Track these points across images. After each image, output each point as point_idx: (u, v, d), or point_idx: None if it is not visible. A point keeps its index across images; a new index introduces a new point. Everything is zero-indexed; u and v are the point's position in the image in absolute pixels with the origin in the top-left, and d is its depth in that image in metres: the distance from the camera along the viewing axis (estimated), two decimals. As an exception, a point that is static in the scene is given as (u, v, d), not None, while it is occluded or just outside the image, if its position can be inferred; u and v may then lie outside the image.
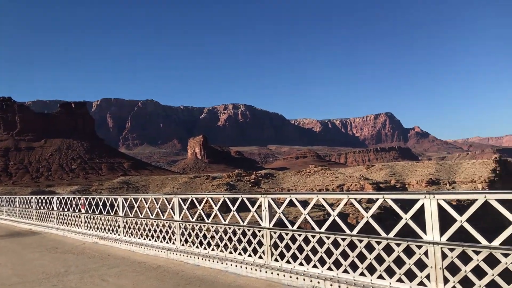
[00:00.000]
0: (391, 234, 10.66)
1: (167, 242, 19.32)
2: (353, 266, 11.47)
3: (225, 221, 16.22)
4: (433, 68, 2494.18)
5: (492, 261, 8.96)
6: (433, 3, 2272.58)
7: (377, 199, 11.17)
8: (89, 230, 27.04)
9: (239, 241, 15.40)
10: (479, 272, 9.15)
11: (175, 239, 18.75)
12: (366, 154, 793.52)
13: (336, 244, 12.01)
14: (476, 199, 9.13)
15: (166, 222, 19.47)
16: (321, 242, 12.42)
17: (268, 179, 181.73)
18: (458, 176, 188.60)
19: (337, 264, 11.95)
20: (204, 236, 17.13)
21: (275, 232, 13.94)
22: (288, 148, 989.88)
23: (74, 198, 30.30)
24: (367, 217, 11.16)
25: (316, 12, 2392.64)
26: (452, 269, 9.55)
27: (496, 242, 8.85)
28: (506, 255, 8.64)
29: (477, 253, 9.10)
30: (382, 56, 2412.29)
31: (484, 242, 9.00)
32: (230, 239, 15.82)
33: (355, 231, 11.51)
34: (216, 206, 16.51)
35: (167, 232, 19.43)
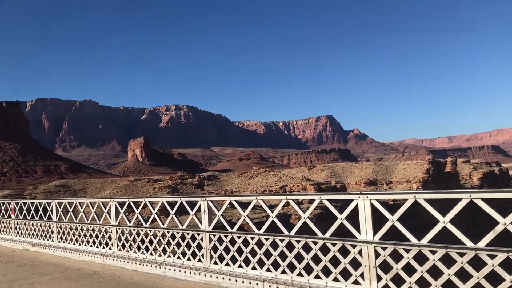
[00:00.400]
0: (327, 234, 10.86)
1: (103, 248, 18.71)
2: (291, 267, 11.59)
3: (163, 224, 15.93)
4: (371, 73, 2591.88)
5: (421, 258, 9.35)
6: (368, 9, 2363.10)
7: (314, 200, 11.36)
8: (19, 236, 25.65)
9: (178, 245, 15.19)
10: (409, 269, 9.52)
11: (112, 244, 18.21)
12: (308, 155, 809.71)
13: (275, 245, 12.09)
14: (407, 199, 9.49)
15: (103, 227, 18.85)
16: (260, 244, 12.47)
17: (212, 181, 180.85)
18: (395, 176, 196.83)
19: (276, 265, 12.03)
20: (142, 241, 16.73)
21: (214, 235, 13.86)
22: (231, 150, 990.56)
23: (3, 203, 28.64)
24: (304, 218, 11.31)
25: (259, 13, 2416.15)
26: (385, 267, 9.87)
27: (425, 240, 9.24)
28: (433, 252, 9.04)
29: (407, 251, 9.45)
30: (324, 61, 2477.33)
31: (414, 240, 9.37)
32: (169, 243, 15.56)
33: (292, 232, 11.63)
34: (154, 209, 16.18)
35: (103, 237, 18.81)
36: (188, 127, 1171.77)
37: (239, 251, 13.07)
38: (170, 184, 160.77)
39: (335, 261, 10.72)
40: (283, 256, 11.83)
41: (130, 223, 17.44)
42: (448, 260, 8.90)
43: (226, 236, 13.47)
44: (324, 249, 10.99)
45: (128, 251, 17.31)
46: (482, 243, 8.49)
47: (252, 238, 12.67)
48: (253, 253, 12.65)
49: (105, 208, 18.74)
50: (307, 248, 11.30)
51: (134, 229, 17.10)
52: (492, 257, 8.31)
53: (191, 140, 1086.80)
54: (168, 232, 15.64)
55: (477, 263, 8.65)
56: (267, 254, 12.18)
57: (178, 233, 15.17)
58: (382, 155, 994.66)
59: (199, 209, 14.44)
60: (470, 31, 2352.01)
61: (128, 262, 16.87)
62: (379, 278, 9.83)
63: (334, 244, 10.68)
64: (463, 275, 8.67)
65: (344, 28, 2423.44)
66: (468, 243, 8.62)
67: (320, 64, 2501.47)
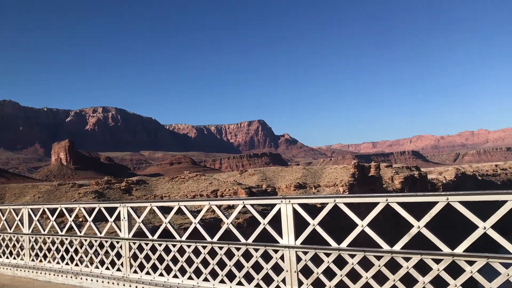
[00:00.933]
0: (250, 240, 10.71)
1: (14, 258, 17.37)
2: (214, 274, 11.31)
3: (81, 232, 15.04)
4: (300, 79, 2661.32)
5: (341, 262, 9.43)
6: (294, 12, 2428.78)
7: (237, 205, 11.16)
8: None
9: (97, 253, 14.40)
10: (330, 273, 9.58)
11: (24, 254, 16.93)
12: (240, 159, 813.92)
13: (198, 252, 11.75)
14: (327, 203, 9.55)
15: (14, 236, 17.48)
16: (183, 251, 12.08)
17: (141, 186, 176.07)
18: (323, 180, 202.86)
19: (198, 273, 11.70)
20: (58, 250, 15.70)
21: (134, 243, 13.26)
22: (162, 153, 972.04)
23: None
24: (227, 224, 11.07)
25: (187, 13, 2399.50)
26: (306, 271, 9.87)
27: (344, 244, 9.34)
28: (352, 256, 9.14)
29: (327, 255, 9.50)
30: (257, 65, 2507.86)
31: (334, 244, 9.44)
32: (86, 252, 14.71)
33: (215, 238, 11.38)
34: (71, 216, 15.24)
35: (14, 246, 17.45)
36: (116, 130, 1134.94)
37: (161, 259, 12.59)
38: (96, 189, 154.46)
39: (258, 267, 10.58)
40: (205, 263, 11.53)
41: (45, 231, 16.33)
42: (366, 264, 9.05)
43: (146, 244, 12.93)
44: (248, 255, 10.83)
45: (41, 261, 16.18)
46: (397, 246, 8.70)
47: (174, 246, 12.25)
48: (175, 260, 12.24)
49: (17, 216, 17.41)
50: (230, 255, 11.08)
51: (49, 238, 16.03)
52: (407, 259, 8.53)
53: (119, 144, 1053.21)
54: (85, 240, 14.80)
55: (394, 266, 8.85)
56: (190, 262, 11.82)
57: (96, 241, 14.40)
58: (311, 159, 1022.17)
59: (118, 216, 13.78)
60: (394, 41, 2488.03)
61: (41, 273, 15.78)
62: (300, 283, 9.81)
63: (256, 250, 10.55)
64: (379, 277, 8.83)
65: (273, 32, 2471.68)
66: (385, 247, 8.81)
67: (253, 68, 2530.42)
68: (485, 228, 7.84)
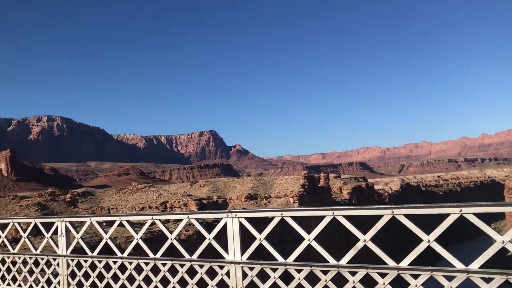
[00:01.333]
0: (195, 256, 10.32)
1: None
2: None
3: (14, 249, 14.04)
4: (252, 91, 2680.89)
5: (289, 277, 9.23)
6: (247, 28, 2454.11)
7: (182, 220, 10.73)
8: None
9: (31, 272, 13.46)
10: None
11: None
12: (191, 170, 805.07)
13: (140, 269, 11.21)
14: (274, 217, 9.35)
15: None
16: (124, 268, 11.48)
17: (87, 198, 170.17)
18: (273, 191, 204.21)
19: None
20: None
21: (72, 260, 12.49)
22: (109, 164, 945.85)
23: None
24: (171, 239, 10.62)
25: (135, 23, 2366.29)
26: (253, 287, 9.59)
27: (291, 259, 9.15)
28: (299, 271, 8.96)
29: (274, 270, 9.27)
30: (208, 75, 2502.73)
31: (280, 259, 9.23)
32: (20, 271, 13.72)
33: (158, 254, 10.88)
34: (3, 232, 14.21)
35: None
36: (62, 140, 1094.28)
37: (101, 277, 11.92)
38: (39, 201, 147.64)
39: (203, 284, 10.20)
40: (148, 280, 11.00)
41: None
42: (313, 279, 8.89)
43: (85, 261, 12.20)
44: (192, 272, 10.42)
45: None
46: (344, 261, 8.62)
47: (115, 262, 11.62)
48: (116, 278, 11.62)
49: None
50: (174, 271, 10.62)
51: (-24, 256, 14.82)
52: (353, 274, 8.45)
53: (64, 154, 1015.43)
54: (19, 257, 13.82)
55: (341, 281, 8.75)
56: (131, 279, 11.26)
57: (31, 258, 13.46)
58: (262, 170, 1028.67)
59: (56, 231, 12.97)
60: (343, 53, 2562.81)
61: None
62: None
63: (201, 266, 10.17)
64: None
65: (223, 42, 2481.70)
66: (332, 261, 8.70)
67: (205, 78, 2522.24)
68: (429, 241, 7.97)
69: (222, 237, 10.05)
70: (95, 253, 12.10)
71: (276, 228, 9.44)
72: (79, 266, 12.44)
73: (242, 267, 9.57)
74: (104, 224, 13.59)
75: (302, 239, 9.08)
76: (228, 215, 9.78)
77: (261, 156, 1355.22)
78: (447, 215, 7.91)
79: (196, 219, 10.33)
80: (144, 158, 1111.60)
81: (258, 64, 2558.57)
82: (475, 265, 7.62)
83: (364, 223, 8.03)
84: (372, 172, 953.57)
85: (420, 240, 8.02)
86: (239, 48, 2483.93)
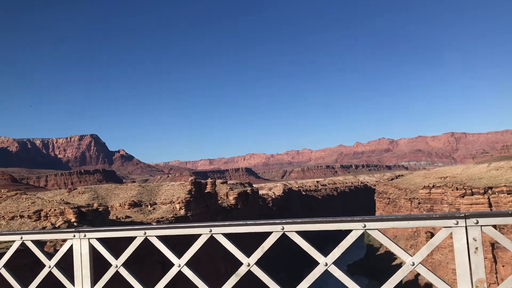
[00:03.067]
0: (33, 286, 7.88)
1: None
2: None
3: None
4: (138, 94, 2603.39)
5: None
6: (127, 31, 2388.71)
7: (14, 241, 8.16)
8: None
9: None
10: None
11: None
12: (69, 176, 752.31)
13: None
14: (136, 236, 7.34)
15: None
16: None
17: None
18: (159, 197, 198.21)
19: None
20: None
21: None
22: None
23: None
24: (-1, 268, 8.03)
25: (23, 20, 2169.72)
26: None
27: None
28: None
29: None
30: (89, 77, 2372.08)
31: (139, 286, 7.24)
32: None
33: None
34: None
35: None
36: None
37: None
38: None
39: None
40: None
41: None
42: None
43: None
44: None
45: None
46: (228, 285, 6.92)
47: None
48: None
49: None
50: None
51: None
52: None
53: None
54: None
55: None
56: None
57: None
58: (148, 176, 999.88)
59: None
60: (223, 63, 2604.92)
61: None
62: None
63: (37, 303, 7.75)
64: None
65: (112, 43, 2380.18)
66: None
67: (86, 79, 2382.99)
68: (326, 264, 6.72)
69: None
70: None
71: (137, 252, 7.46)
72: None
73: None
74: None
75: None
76: (74, 235, 7.49)
77: (147, 161, 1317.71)
78: (348, 231, 6.62)
79: (33, 241, 7.87)
80: (16, 163, 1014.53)
81: (142, 67, 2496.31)
82: None
83: (249, 241, 6.47)
84: (257, 178, 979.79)
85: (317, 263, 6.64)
86: (121, 46, 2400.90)
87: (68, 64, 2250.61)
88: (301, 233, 6.98)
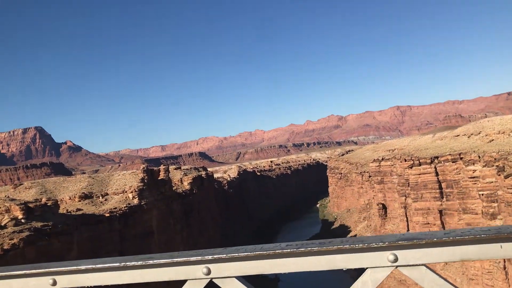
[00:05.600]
0: None
1: None
2: None
3: None
4: (81, 83, 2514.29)
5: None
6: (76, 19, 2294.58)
7: None
8: None
9: None
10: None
11: None
12: (15, 172, 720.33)
13: None
14: None
15: None
16: None
17: None
18: (111, 187, 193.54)
19: None
20: None
21: None
22: None
23: None
24: None
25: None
26: None
27: None
28: None
29: None
30: (31, 66, 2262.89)
31: None
32: None
33: None
34: None
35: None
36: None
37: None
38: None
39: None
40: None
41: None
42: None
43: None
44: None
45: None
46: None
47: None
48: None
49: None
50: None
51: None
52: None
53: None
54: None
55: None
56: None
57: None
58: (98, 166, 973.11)
59: None
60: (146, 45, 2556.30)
61: None
62: None
63: None
64: None
65: (52, 32, 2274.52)
66: None
67: (30, 69, 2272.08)
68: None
69: None
70: None
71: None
72: None
73: None
74: None
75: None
76: None
77: (96, 152, 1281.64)
78: None
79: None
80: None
81: (86, 54, 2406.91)
82: None
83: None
84: (212, 161, 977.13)
85: None
86: (59, 32, 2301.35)
87: (2, 54, 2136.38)
88: (248, 278, 3.82)
